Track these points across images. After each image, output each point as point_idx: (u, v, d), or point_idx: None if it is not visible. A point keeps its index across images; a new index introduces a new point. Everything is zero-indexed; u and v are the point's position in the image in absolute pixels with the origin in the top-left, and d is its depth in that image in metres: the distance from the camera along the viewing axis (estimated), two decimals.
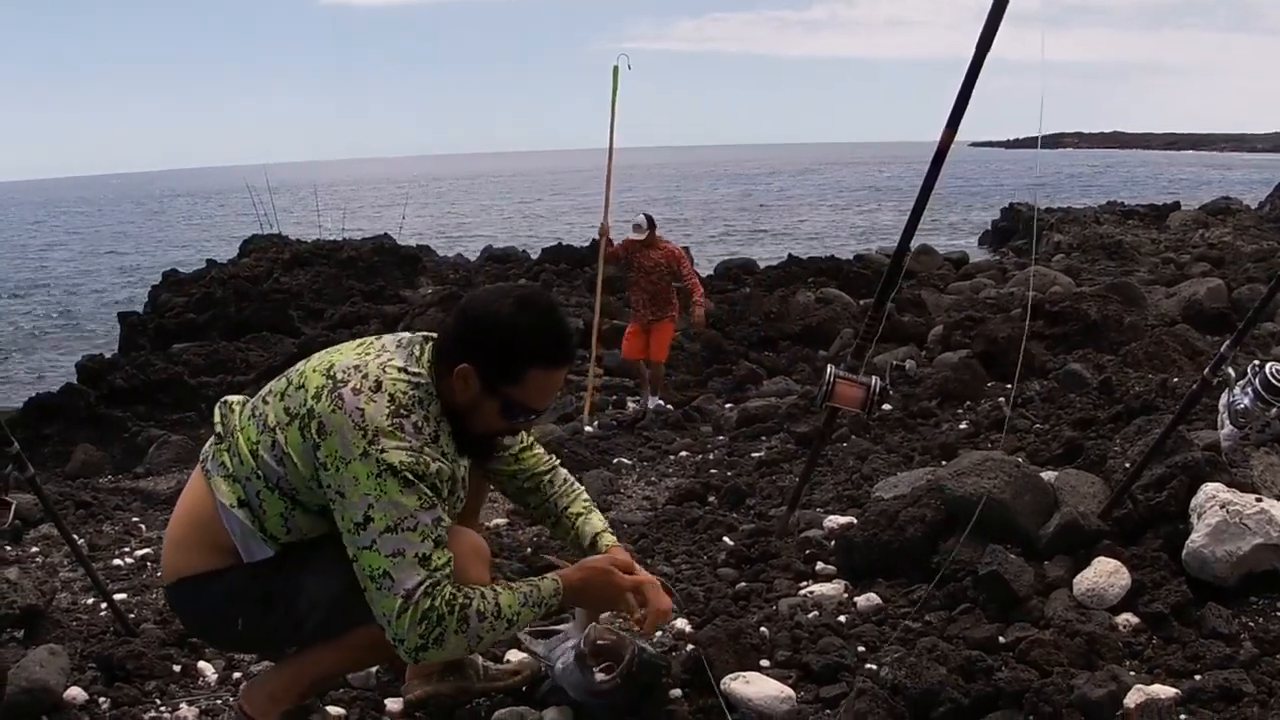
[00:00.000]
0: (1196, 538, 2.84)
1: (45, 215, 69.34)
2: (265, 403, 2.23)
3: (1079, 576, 2.88)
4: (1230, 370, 2.97)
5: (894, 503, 3.42)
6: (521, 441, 2.55)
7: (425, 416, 2.14)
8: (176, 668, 3.03)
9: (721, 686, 2.51)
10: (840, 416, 4.13)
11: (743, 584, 3.36)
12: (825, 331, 10.92)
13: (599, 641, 2.39)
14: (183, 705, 2.80)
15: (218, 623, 2.31)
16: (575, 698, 2.50)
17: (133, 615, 3.54)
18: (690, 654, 2.69)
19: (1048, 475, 3.41)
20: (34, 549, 4.82)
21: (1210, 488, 2.94)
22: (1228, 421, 3.19)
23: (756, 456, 5.68)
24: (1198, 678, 2.42)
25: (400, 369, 2.16)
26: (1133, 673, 2.47)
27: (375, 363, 2.16)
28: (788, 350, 10.68)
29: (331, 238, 19.18)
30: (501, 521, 4.71)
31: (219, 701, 2.83)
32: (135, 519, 5.62)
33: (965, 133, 3.13)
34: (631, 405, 8.76)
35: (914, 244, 3.48)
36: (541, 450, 2.62)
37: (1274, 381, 2.88)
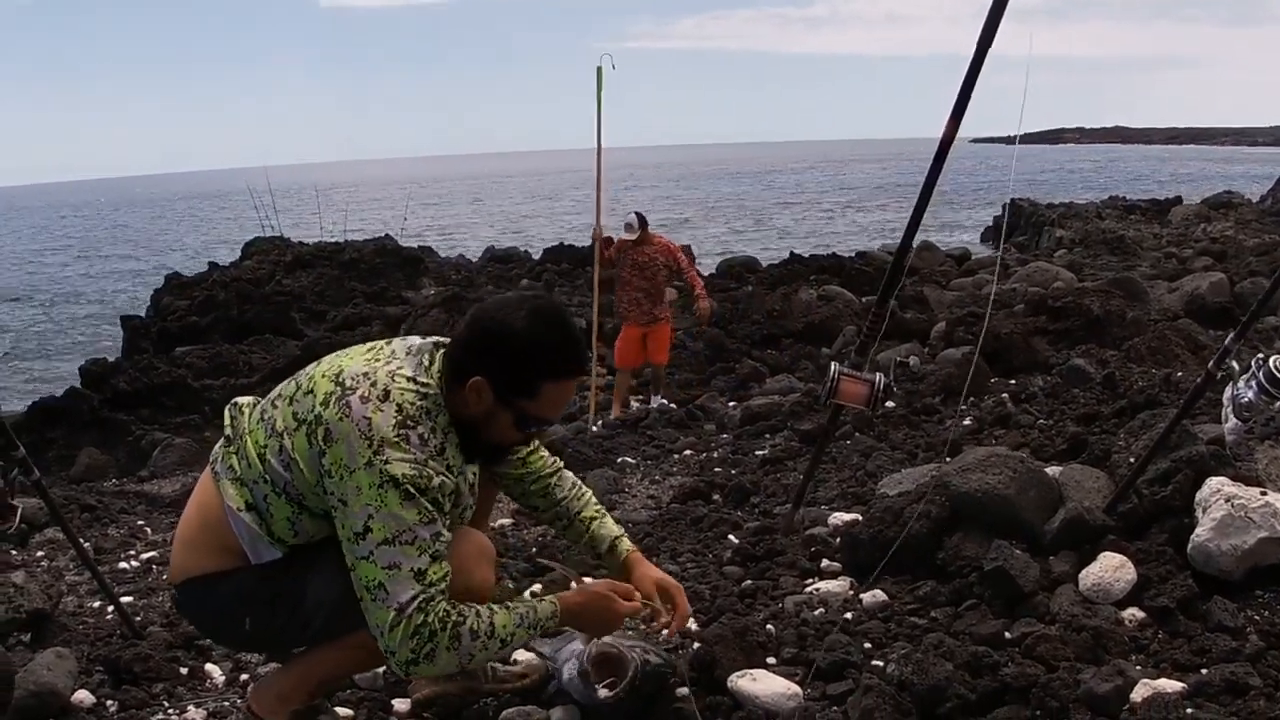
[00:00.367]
0: (1201, 532, 2.84)
1: (46, 221, 69.45)
2: (274, 406, 2.23)
3: (1084, 571, 2.88)
4: (1234, 364, 2.96)
5: (899, 499, 3.43)
6: (528, 445, 2.55)
7: (432, 428, 2.13)
8: (184, 670, 3.04)
9: (728, 684, 2.51)
10: (844, 413, 4.12)
11: (748, 582, 3.36)
12: (827, 329, 10.91)
13: (601, 654, 2.40)
14: (190, 707, 2.81)
15: (226, 623, 2.32)
16: (580, 703, 2.50)
17: (139, 618, 3.54)
18: (697, 652, 2.69)
19: (1052, 471, 3.40)
20: (40, 553, 4.82)
21: (1215, 482, 2.94)
22: (1232, 415, 3.19)
23: (760, 454, 5.67)
24: (1204, 671, 2.42)
25: (409, 378, 2.15)
26: (1139, 667, 2.47)
27: (384, 370, 2.14)
28: (790, 348, 10.67)
29: (333, 239, 19.19)
30: (507, 521, 4.71)
31: (226, 704, 2.83)
32: (140, 522, 5.62)
33: (966, 129, 3.13)
34: (634, 404, 8.75)
35: (916, 241, 3.47)
36: (545, 452, 2.62)
37: (1278, 375, 2.89)
